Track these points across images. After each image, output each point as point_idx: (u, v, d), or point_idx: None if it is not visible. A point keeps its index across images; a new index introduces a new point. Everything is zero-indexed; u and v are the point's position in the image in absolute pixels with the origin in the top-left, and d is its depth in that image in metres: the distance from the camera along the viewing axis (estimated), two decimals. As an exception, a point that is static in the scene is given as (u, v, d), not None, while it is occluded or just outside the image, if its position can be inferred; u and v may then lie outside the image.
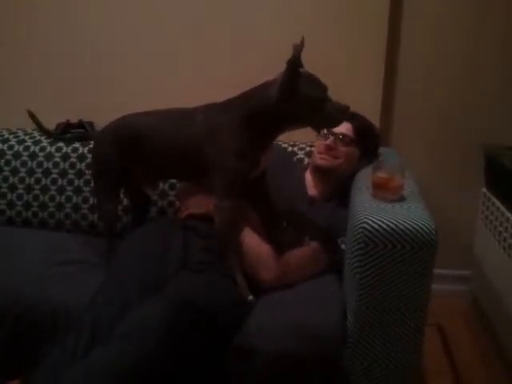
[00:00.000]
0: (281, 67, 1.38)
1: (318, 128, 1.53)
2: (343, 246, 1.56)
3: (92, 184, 1.90)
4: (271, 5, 2.12)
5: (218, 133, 1.46)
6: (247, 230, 1.57)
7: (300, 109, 1.39)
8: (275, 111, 1.40)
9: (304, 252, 1.60)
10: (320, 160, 1.76)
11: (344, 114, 1.42)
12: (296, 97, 1.37)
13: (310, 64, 1.44)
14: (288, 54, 1.36)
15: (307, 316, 1.41)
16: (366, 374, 1.38)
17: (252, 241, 1.55)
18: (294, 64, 1.35)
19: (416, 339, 1.36)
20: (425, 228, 1.28)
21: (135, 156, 1.62)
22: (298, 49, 1.35)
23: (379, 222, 1.28)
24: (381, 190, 1.44)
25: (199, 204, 1.65)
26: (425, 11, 2.13)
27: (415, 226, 1.28)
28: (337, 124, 1.47)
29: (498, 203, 2.02)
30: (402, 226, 1.28)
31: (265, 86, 1.43)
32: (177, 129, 1.55)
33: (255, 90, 1.45)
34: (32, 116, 2.03)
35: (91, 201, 2.01)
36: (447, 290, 2.30)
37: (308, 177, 1.82)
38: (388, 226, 1.28)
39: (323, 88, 1.41)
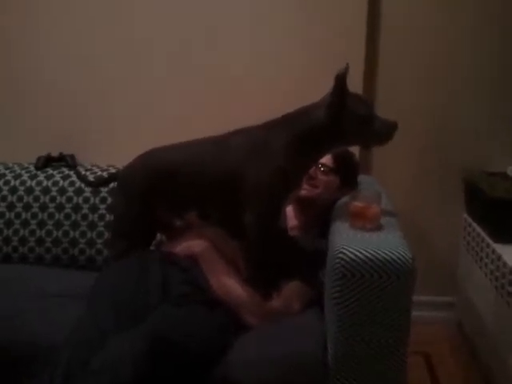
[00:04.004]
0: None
1: (368, 145, 1.59)
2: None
3: (115, 224, 1.76)
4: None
5: (260, 152, 1.50)
6: (228, 271, 1.55)
7: (349, 126, 1.47)
8: (324, 131, 1.48)
9: (288, 293, 1.57)
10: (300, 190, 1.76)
11: (394, 129, 1.49)
12: (345, 114, 1.45)
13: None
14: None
15: (288, 348, 1.40)
16: (348, 406, 1.36)
17: (234, 285, 1.52)
18: (342, 79, 1.43)
19: (398, 369, 1.34)
20: (401, 257, 1.27)
21: (170, 192, 1.60)
22: (344, 70, 1.43)
23: (356, 252, 1.28)
24: (358, 218, 1.44)
25: (186, 246, 1.62)
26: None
27: (392, 255, 1.27)
28: (388, 140, 1.50)
29: (478, 229, 2.03)
30: (378, 256, 1.27)
31: (311, 107, 1.51)
32: (213, 157, 1.56)
33: (300, 111, 1.52)
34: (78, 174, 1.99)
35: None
36: (432, 316, 2.30)
37: (288, 208, 1.82)
38: (365, 255, 1.27)
39: (369, 104, 1.51)
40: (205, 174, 1.55)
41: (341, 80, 1.44)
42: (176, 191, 1.59)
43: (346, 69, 1.43)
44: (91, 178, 2.03)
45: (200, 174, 1.56)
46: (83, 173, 2.03)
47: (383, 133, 1.49)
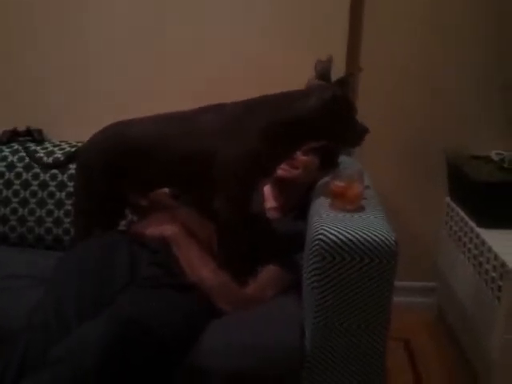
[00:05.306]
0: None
1: (342, 144, 1.60)
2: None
3: (75, 201, 1.66)
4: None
5: (234, 131, 1.41)
6: (200, 256, 1.47)
7: (335, 124, 1.41)
8: (308, 122, 1.39)
9: (263, 279, 1.50)
10: (279, 170, 1.68)
11: (366, 134, 1.47)
12: (337, 112, 1.39)
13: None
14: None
15: (263, 334, 1.33)
16: (326, 394, 1.30)
17: (207, 272, 1.44)
18: (347, 82, 1.41)
19: (378, 355, 1.29)
20: (384, 239, 1.21)
21: (133, 168, 1.50)
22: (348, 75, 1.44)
23: (336, 234, 1.21)
24: (339, 199, 1.36)
25: (157, 227, 1.53)
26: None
27: (374, 237, 1.21)
28: (359, 144, 1.48)
29: (461, 213, 1.98)
30: (360, 238, 1.21)
31: (297, 95, 1.42)
32: (180, 133, 1.46)
33: (286, 97, 1.43)
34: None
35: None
36: (412, 302, 2.26)
37: (266, 188, 1.75)
38: (346, 237, 1.21)
39: (355, 108, 1.46)
40: (170, 151, 1.45)
41: (347, 80, 1.41)
42: (139, 168, 1.49)
43: (355, 73, 1.41)
44: (59, 155, 1.92)
45: (165, 150, 1.45)
46: (38, 154, 1.92)
47: (357, 136, 1.47)
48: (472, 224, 1.86)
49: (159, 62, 2.10)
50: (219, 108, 1.47)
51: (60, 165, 1.83)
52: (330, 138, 1.47)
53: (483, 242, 1.74)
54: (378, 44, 2.12)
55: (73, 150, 1.91)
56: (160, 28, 2.08)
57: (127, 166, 1.50)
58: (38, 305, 1.28)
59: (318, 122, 1.40)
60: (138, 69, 2.11)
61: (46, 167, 1.90)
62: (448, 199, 2.14)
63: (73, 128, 2.06)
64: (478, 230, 1.81)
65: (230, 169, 1.41)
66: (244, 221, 1.46)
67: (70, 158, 1.71)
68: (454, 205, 2.08)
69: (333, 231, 1.22)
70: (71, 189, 1.89)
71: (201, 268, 1.44)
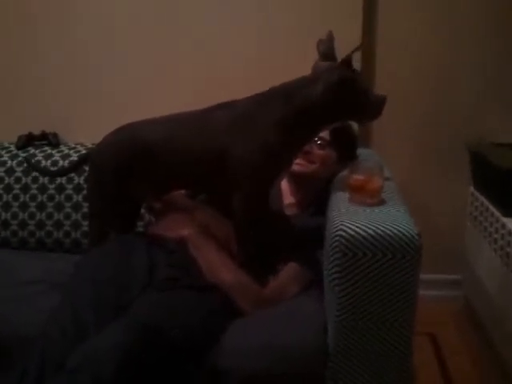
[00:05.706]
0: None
1: (361, 120, 1.51)
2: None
3: (88, 204, 1.66)
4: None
5: (246, 127, 1.39)
6: (219, 257, 1.45)
7: (348, 103, 1.38)
8: (322, 108, 1.37)
9: (284, 278, 1.48)
10: (295, 166, 1.64)
11: (384, 103, 1.41)
12: (346, 92, 1.36)
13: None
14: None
15: (284, 334, 1.30)
16: (351, 394, 1.27)
17: (226, 273, 1.42)
18: (350, 62, 1.35)
19: (404, 352, 1.24)
20: (407, 233, 1.17)
21: (146, 170, 1.48)
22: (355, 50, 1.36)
23: (357, 229, 1.17)
24: (358, 193, 1.33)
25: (175, 228, 1.51)
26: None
27: (396, 231, 1.17)
28: (380, 114, 1.43)
29: (486, 202, 1.92)
30: (381, 232, 1.17)
31: (305, 82, 1.39)
32: (193, 132, 1.44)
33: (294, 86, 1.40)
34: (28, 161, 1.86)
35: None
36: (438, 295, 2.21)
37: (284, 184, 1.71)
38: (366, 232, 1.17)
39: (365, 82, 1.43)
40: (182, 152, 1.43)
41: (350, 61, 1.35)
42: (152, 170, 1.47)
43: (358, 48, 1.37)
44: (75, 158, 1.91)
45: (177, 152, 1.43)
46: (42, 165, 1.92)
47: (376, 107, 1.41)
48: (497, 214, 1.81)
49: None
50: (230, 105, 1.44)
51: (69, 170, 1.80)
52: (345, 118, 1.45)
53: (510, 232, 1.68)
54: (394, 27, 2.07)
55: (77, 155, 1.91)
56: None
57: (139, 168, 1.48)
58: (55, 312, 1.27)
59: (330, 106, 1.37)
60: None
61: (51, 176, 1.89)
62: (472, 189, 2.09)
63: (88, 131, 2.05)
64: (504, 219, 1.75)
65: (245, 167, 1.38)
66: (251, 221, 1.43)
67: (81, 161, 1.69)
68: (478, 194, 2.02)
69: (353, 226, 1.18)
70: (88, 191, 1.88)
71: (220, 269, 1.42)
